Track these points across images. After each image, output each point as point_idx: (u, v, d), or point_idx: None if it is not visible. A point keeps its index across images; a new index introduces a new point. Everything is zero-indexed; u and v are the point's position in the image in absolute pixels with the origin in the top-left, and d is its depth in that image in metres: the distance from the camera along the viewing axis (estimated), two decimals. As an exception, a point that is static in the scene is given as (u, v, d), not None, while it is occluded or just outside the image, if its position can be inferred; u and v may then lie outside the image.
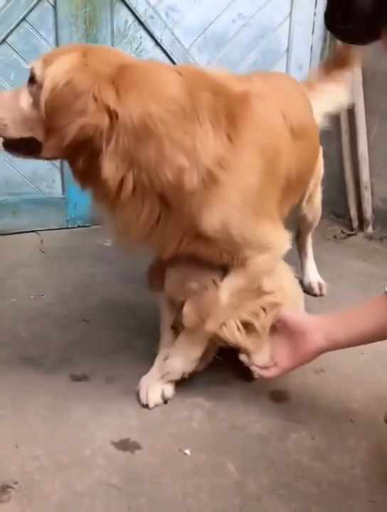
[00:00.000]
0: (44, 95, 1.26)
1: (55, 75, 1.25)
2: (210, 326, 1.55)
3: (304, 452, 1.43)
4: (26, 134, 1.37)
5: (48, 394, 1.62)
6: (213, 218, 1.38)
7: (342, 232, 3.17)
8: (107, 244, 2.91)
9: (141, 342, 1.91)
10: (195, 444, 1.44)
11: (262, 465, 1.38)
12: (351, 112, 3.19)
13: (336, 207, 3.30)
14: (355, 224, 3.24)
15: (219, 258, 1.51)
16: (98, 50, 1.37)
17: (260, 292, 1.59)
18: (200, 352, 1.62)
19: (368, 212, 3.16)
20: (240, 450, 1.43)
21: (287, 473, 1.35)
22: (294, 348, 1.48)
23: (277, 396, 1.65)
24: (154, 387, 1.60)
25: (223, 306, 1.53)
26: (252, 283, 1.57)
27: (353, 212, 3.25)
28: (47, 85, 1.25)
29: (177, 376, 1.62)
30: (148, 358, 1.81)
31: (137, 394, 1.61)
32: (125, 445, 1.43)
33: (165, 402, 1.59)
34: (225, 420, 1.54)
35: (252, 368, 1.58)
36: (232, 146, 1.35)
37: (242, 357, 1.60)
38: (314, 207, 2.33)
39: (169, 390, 1.61)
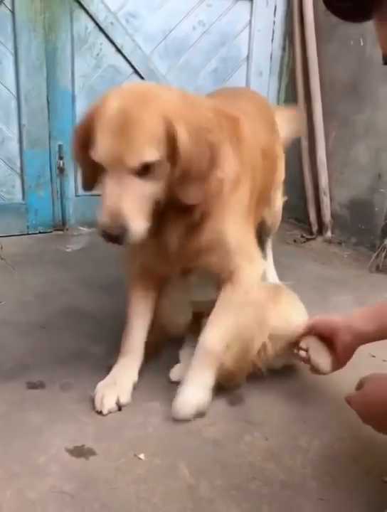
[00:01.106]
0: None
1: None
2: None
3: (258, 454, 1.45)
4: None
5: (3, 402, 1.61)
6: (216, 226, 1.52)
7: (302, 236, 3.24)
8: (68, 250, 2.91)
9: (100, 348, 1.91)
10: (150, 449, 1.45)
11: (215, 468, 1.40)
12: (310, 117, 3.26)
13: (296, 212, 3.36)
14: (314, 228, 3.30)
15: (212, 271, 1.61)
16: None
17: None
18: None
19: (327, 217, 3.23)
20: (194, 453, 1.44)
21: (240, 475, 1.38)
22: (332, 349, 1.59)
23: (233, 399, 1.67)
24: (109, 393, 1.60)
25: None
26: (243, 297, 1.63)
27: (312, 217, 3.31)
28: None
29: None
30: (105, 364, 1.81)
31: (93, 401, 1.62)
32: (80, 452, 1.43)
33: (119, 408, 1.59)
34: (180, 425, 1.55)
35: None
36: (239, 163, 1.53)
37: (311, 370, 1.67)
38: (273, 212, 2.39)
39: (125, 396, 1.62)
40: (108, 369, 1.71)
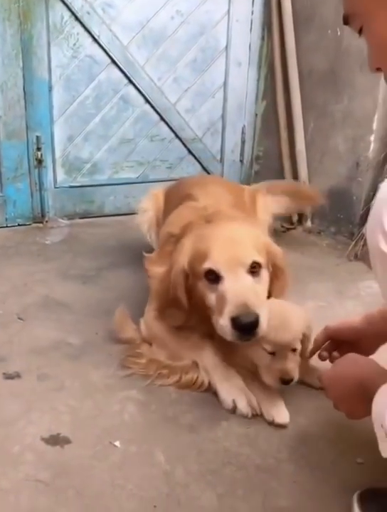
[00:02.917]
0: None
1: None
2: None
3: (234, 439, 1.46)
4: None
5: (-22, 393, 1.60)
6: None
7: (282, 226, 3.24)
8: (47, 242, 2.89)
9: (77, 338, 1.91)
10: (126, 436, 1.45)
11: (191, 453, 1.40)
12: (288, 108, 3.26)
13: (276, 202, 3.37)
14: (295, 218, 3.31)
15: None
16: None
17: None
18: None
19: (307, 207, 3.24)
20: (171, 440, 1.44)
21: (216, 460, 1.38)
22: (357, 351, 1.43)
23: (210, 386, 1.67)
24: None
25: None
26: None
27: (293, 207, 3.32)
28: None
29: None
30: (81, 354, 1.81)
31: (70, 390, 1.61)
32: (55, 440, 1.43)
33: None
34: (156, 412, 1.55)
35: None
36: None
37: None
38: None
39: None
40: (85, 359, 1.71)
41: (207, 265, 1.57)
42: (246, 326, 1.45)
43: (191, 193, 2.05)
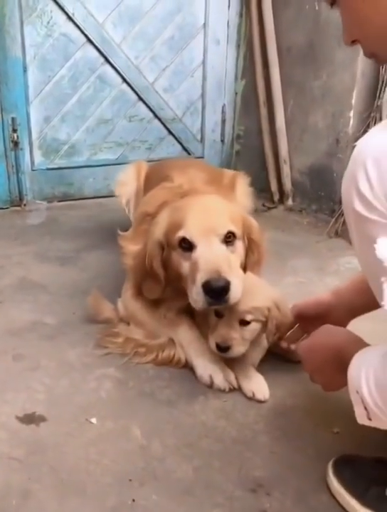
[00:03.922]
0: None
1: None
2: None
3: (211, 413, 1.45)
4: None
5: None
6: None
7: (263, 205, 3.23)
8: (25, 225, 2.86)
9: (53, 319, 1.89)
10: (103, 413, 1.43)
11: (168, 427, 1.39)
12: (268, 86, 3.23)
13: (258, 181, 3.30)
14: (276, 197, 3.30)
15: None
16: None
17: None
18: None
19: (288, 185, 3.23)
20: (147, 415, 1.43)
21: (192, 433, 1.37)
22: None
23: (187, 362, 1.66)
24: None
25: None
26: None
27: (274, 186, 3.31)
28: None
29: None
30: (58, 334, 1.79)
31: (46, 369, 1.59)
32: (30, 419, 1.41)
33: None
34: (134, 388, 1.54)
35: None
36: None
37: (283, 344, 1.61)
38: None
39: None
40: (61, 339, 1.68)
41: (181, 234, 1.56)
42: (216, 290, 1.43)
43: (168, 174, 2.03)
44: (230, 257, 1.56)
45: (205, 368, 1.57)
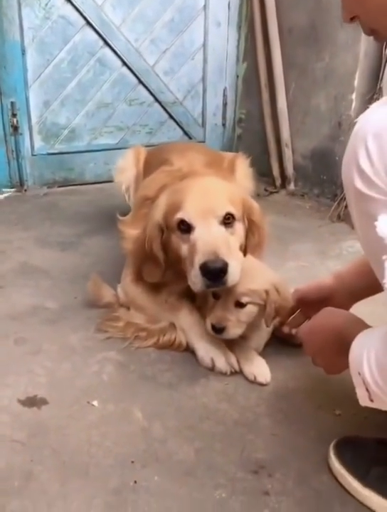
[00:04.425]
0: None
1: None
2: None
3: (212, 395, 1.45)
4: None
5: None
6: None
7: (265, 189, 3.21)
8: (25, 209, 2.84)
9: (54, 303, 1.89)
10: (104, 396, 1.44)
11: (169, 410, 1.39)
12: (269, 68, 3.19)
13: (260, 166, 3.28)
14: (278, 182, 3.28)
15: None
16: None
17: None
18: None
19: (290, 170, 3.21)
20: (149, 398, 1.44)
21: (193, 415, 1.37)
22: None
23: (189, 346, 1.66)
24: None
25: None
26: None
27: (276, 171, 3.29)
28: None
29: None
30: (60, 318, 1.79)
31: (47, 353, 1.59)
32: (32, 402, 1.41)
33: None
34: (135, 371, 1.54)
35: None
36: None
37: (285, 329, 1.61)
38: None
39: None
40: (62, 323, 1.68)
41: (179, 216, 1.55)
42: (214, 272, 1.42)
43: (168, 158, 2.01)
44: (229, 239, 1.55)
45: (207, 351, 1.57)
